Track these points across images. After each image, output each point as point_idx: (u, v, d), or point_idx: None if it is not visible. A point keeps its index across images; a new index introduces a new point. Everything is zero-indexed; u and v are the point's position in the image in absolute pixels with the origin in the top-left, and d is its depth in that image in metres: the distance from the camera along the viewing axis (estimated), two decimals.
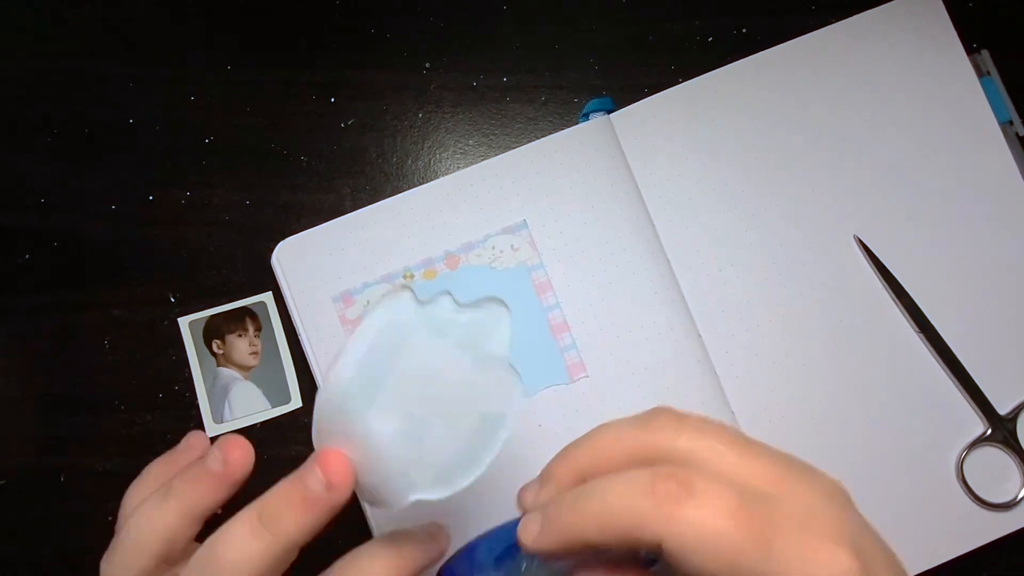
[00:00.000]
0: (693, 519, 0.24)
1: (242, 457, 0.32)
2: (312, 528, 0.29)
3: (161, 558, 0.31)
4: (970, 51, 0.44)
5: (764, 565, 0.24)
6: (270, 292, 0.44)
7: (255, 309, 0.44)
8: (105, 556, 0.32)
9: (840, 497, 0.27)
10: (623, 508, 0.25)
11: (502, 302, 0.30)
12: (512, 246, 0.43)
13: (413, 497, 0.28)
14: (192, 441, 0.38)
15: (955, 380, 0.42)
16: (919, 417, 0.41)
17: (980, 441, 0.41)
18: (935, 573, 0.40)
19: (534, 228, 0.43)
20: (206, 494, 0.32)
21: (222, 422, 0.43)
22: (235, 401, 0.43)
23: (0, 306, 0.45)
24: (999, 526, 0.40)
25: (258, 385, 0.44)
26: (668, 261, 0.43)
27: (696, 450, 0.27)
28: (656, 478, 0.26)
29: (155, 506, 0.31)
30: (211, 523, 0.30)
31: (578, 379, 0.41)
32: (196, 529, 0.32)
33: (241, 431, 0.43)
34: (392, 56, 0.47)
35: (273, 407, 0.43)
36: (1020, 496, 0.40)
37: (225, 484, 0.32)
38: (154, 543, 0.31)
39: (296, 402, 0.43)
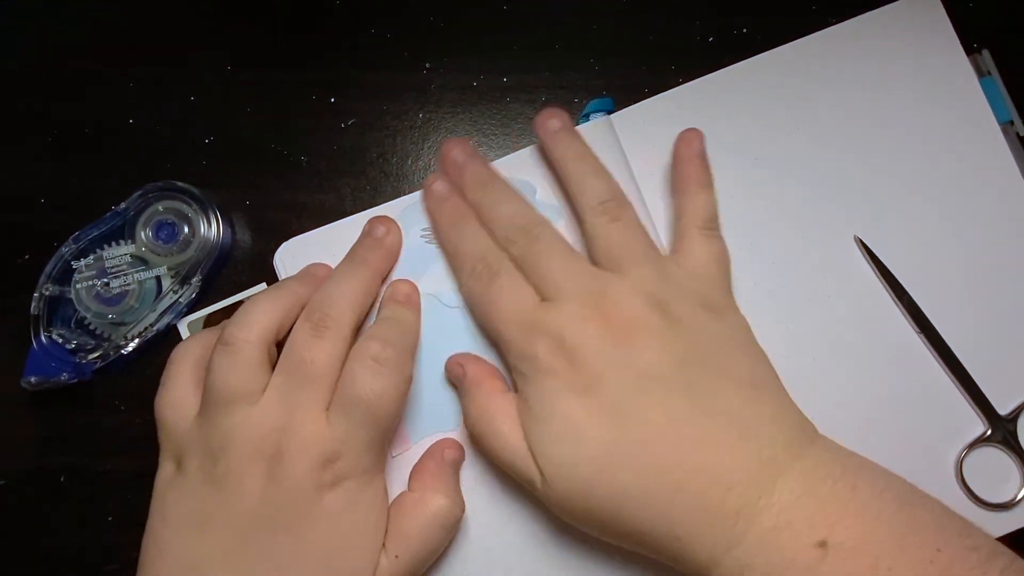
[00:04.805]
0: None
1: (390, 226, 0.41)
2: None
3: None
4: (970, 51, 0.44)
5: None
6: (264, 284, 0.44)
7: None
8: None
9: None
10: None
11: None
12: None
13: None
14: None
15: (955, 380, 0.42)
16: (919, 417, 0.41)
17: (980, 441, 0.41)
18: None
19: None
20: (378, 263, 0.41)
21: None
22: None
23: (0, 307, 0.45)
24: (999, 526, 0.40)
25: None
26: None
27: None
28: None
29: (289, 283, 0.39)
30: None
31: None
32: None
33: None
34: (392, 56, 0.47)
35: None
36: (1020, 496, 0.40)
37: (388, 250, 0.41)
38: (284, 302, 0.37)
39: None
